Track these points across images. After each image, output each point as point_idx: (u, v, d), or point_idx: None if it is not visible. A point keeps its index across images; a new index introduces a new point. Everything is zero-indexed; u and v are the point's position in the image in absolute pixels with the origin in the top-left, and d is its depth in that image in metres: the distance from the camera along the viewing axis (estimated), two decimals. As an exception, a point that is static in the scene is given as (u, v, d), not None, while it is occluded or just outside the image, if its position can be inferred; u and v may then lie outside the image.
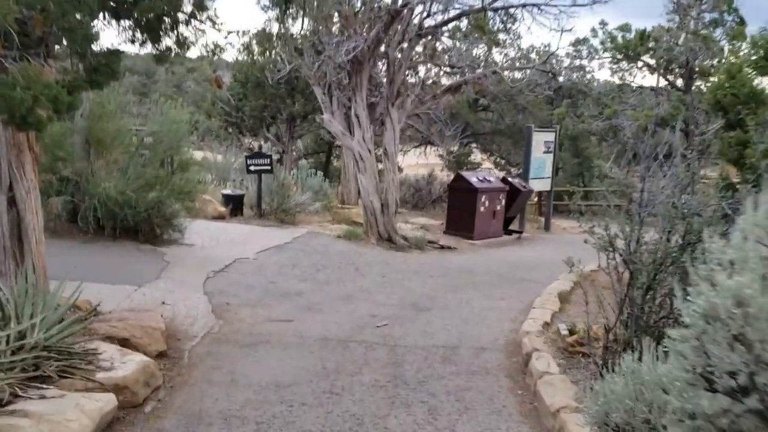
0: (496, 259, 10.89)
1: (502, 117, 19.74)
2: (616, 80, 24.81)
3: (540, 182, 15.22)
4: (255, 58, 17.59)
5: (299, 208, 11.81)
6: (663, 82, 23.21)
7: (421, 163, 24.73)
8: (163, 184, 8.39)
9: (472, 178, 13.02)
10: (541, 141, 15.15)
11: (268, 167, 11.36)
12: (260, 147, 12.41)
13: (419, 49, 14.32)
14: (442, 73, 12.23)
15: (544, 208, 18.45)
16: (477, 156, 23.42)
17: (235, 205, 11.61)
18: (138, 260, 7.66)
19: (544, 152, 15.29)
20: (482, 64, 12.50)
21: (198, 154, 30.16)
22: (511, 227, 14.25)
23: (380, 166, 11.80)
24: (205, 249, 8.97)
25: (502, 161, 25.22)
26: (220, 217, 11.29)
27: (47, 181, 8.07)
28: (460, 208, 12.85)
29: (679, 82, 22.37)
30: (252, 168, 11.35)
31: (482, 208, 12.83)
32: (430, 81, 12.20)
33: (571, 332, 5.41)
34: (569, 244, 14.39)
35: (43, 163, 7.45)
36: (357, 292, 7.56)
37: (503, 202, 13.46)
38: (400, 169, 25.64)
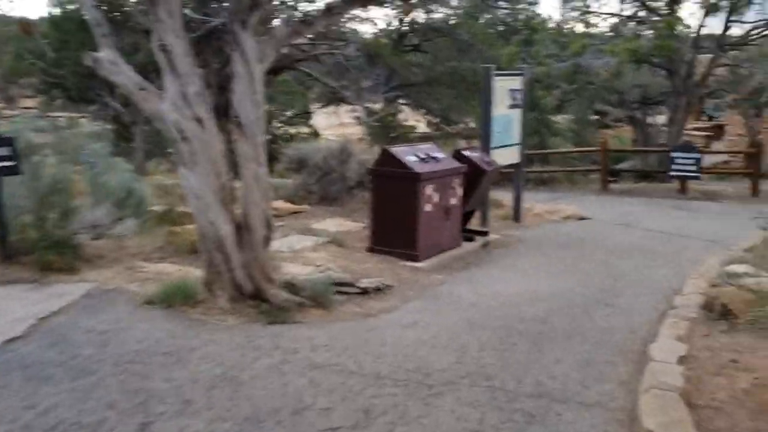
0: (464, 313, 5.72)
1: (438, 59, 14.42)
2: (571, 12, 19.88)
3: (506, 152, 10.11)
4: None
5: (94, 234, 6.28)
6: (631, 11, 18.39)
7: (343, 122, 19.18)
8: None
9: (409, 156, 7.74)
10: (504, 91, 10.00)
11: (9, 163, 5.75)
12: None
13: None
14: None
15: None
16: (408, 115, 18.08)
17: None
18: None
19: (510, 107, 10.17)
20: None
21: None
22: (470, 226, 9.16)
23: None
24: None
25: (438, 120, 20.08)
26: None
27: None
28: (393, 208, 7.60)
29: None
30: (-28, 166, 5.69)
31: (429, 206, 7.62)
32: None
33: None
34: (564, 247, 9.30)
35: None
36: None
37: (460, 190, 8.28)
38: (301, 135, 19.87)
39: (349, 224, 9.05)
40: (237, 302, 5.40)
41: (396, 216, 7.55)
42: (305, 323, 5.27)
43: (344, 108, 15.68)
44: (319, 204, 10.19)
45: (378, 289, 6.32)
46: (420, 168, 7.50)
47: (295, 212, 9.45)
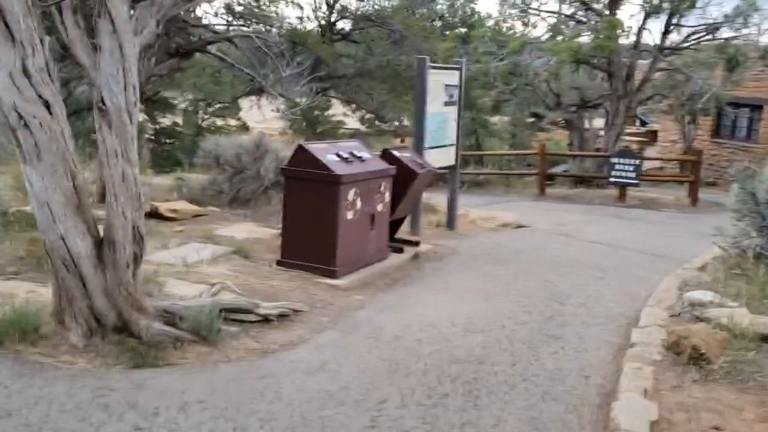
0: (385, 350, 4.69)
1: (370, 50, 13.39)
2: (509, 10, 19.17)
3: (440, 153, 9.17)
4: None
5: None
6: (570, 10, 17.80)
7: (266, 115, 17.82)
8: None
9: (329, 154, 6.66)
10: (440, 85, 9.08)
11: None
12: None
13: None
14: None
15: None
16: (338, 110, 16.91)
17: None
18: None
19: (446, 104, 9.25)
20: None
21: None
22: (399, 234, 8.18)
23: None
24: None
25: (370, 116, 19.03)
26: None
27: None
28: (308, 215, 6.50)
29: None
30: None
31: (350, 214, 6.56)
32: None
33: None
34: (502, 261, 8.39)
35: None
36: None
37: (388, 196, 7.27)
38: (244, 127, 18.55)
39: (261, 231, 7.91)
40: (95, 338, 4.22)
41: (312, 224, 6.46)
42: (180, 366, 4.13)
43: (266, 99, 14.48)
44: (229, 206, 8.99)
45: (283, 316, 5.23)
46: (341, 169, 6.44)
47: (199, 215, 8.24)
